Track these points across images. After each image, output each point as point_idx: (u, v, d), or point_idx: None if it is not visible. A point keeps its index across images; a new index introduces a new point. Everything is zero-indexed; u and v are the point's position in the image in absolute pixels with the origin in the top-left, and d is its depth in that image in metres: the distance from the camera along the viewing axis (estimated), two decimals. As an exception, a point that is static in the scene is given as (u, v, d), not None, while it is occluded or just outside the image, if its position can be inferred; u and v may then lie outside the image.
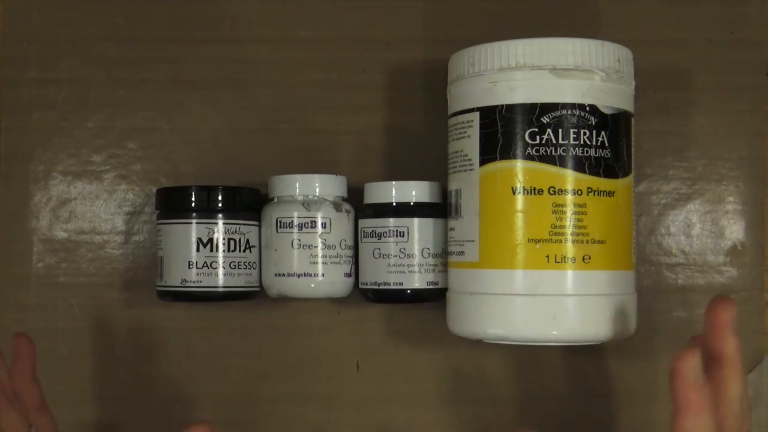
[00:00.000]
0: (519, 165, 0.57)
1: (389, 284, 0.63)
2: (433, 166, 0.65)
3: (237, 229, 0.63)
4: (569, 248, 0.56)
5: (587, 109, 0.57)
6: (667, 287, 0.68)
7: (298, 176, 0.64)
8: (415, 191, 0.64)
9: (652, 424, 0.68)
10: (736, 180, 0.68)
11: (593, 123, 0.57)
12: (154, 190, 0.67)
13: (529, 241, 0.57)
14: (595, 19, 0.68)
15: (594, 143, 0.57)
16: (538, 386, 0.68)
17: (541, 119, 0.57)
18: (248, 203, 0.64)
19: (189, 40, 0.68)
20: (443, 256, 0.63)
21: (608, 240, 0.57)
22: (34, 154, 0.68)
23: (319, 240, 0.63)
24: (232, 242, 0.63)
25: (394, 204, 0.64)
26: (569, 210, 0.57)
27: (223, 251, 0.63)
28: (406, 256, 0.63)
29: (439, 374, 0.68)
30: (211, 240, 0.63)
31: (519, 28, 0.65)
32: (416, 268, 0.63)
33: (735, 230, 0.68)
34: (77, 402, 0.67)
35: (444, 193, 0.64)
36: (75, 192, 0.68)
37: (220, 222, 0.63)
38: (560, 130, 0.57)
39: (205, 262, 0.62)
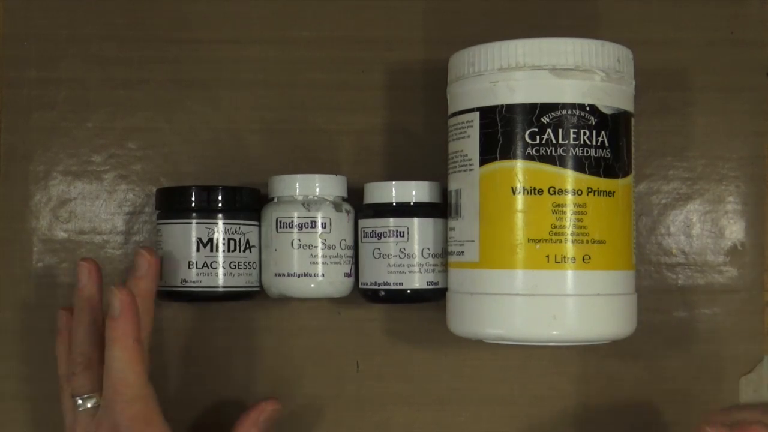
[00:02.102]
0: (519, 165, 0.57)
1: (389, 284, 0.63)
2: (433, 166, 0.65)
3: (237, 229, 0.63)
4: (569, 248, 0.56)
5: (587, 109, 0.57)
6: (667, 287, 0.68)
7: (298, 176, 0.64)
8: (415, 191, 0.64)
9: (653, 424, 0.68)
10: (736, 180, 0.68)
11: (593, 123, 0.57)
12: (154, 190, 0.67)
13: (529, 241, 0.57)
14: (595, 19, 0.68)
15: (594, 143, 0.57)
16: (538, 386, 0.68)
17: (541, 119, 0.57)
18: (248, 203, 0.64)
19: (189, 40, 0.68)
20: (443, 256, 0.63)
21: (608, 240, 0.57)
22: (34, 154, 0.68)
23: (319, 240, 0.63)
24: (232, 242, 0.63)
25: (394, 204, 0.64)
26: (569, 210, 0.57)
27: (223, 251, 0.63)
28: (406, 256, 0.63)
29: (439, 374, 0.68)
30: (211, 240, 0.63)
31: (519, 28, 0.65)
32: (416, 268, 0.63)
33: (735, 230, 0.68)
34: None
35: (444, 193, 0.64)
36: (75, 192, 0.68)
37: (220, 222, 0.63)
38: (560, 130, 0.57)
39: (205, 262, 0.62)
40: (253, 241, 0.64)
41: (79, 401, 0.60)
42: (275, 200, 0.65)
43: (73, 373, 0.61)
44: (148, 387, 0.58)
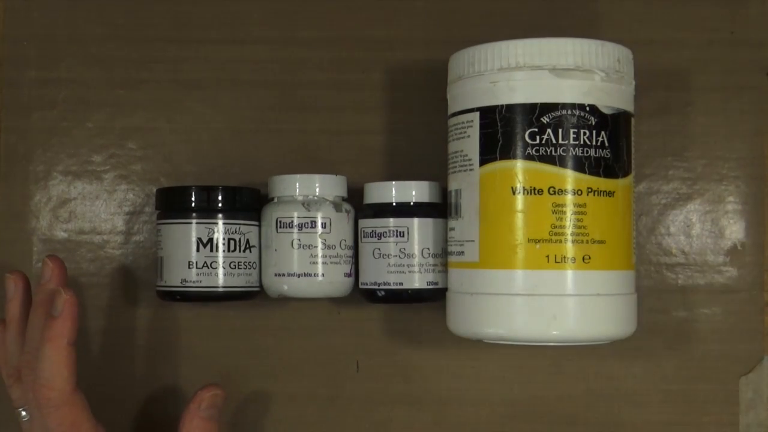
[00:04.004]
0: (519, 165, 0.57)
1: (389, 284, 0.63)
2: (433, 166, 0.65)
3: (237, 229, 0.63)
4: (569, 248, 0.56)
5: (587, 109, 0.57)
6: (667, 287, 0.68)
7: (298, 176, 0.64)
8: (415, 191, 0.64)
9: (652, 424, 0.68)
10: (736, 180, 0.68)
11: (593, 123, 0.57)
12: (154, 190, 0.67)
13: (529, 241, 0.57)
14: (595, 19, 0.68)
15: (594, 143, 0.57)
16: (538, 386, 0.68)
17: (541, 119, 0.57)
18: (248, 203, 0.64)
19: (189, 40, 0.68)
20: (443, 256, 0.63)
21: (608, 240, 0.57)
22: (34, 154, 0.68)
23: (319, 240, 0.63)
24: (232, 242, 0.63)
25: (394, 204, 0.64)
26: (569, 210, 0.57)
27: (223, 251, 0.63)
28: (406, 256, 0.63)
29: (439, 374, 0.68)
30: (211, 240, 0.63)
31: (519, 28, 0.65)
32: (416, 268, 0.63)
33: (735, 230, 0.68)
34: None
35: (444, 193, 0.64)
36: (75, 192, 0.68)
37: (220, 222, 0.63)
38: (560, 130, 0.57)
39: (205, 262, 0.62)
40: (253, 241, 0.64)
41: (23, 413, 0.60)
42: (275, 200, 0.65)
43: (9, 386, 0.61)
44: (75, 393, 0.57)
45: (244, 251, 0.63)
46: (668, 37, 0.68)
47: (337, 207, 0.64)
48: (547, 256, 0.57)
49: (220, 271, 0.63)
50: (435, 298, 0.63)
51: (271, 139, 0.68)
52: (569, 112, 0.57)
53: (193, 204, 0.63)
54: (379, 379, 0.68)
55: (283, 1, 0.69)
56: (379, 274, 0.63)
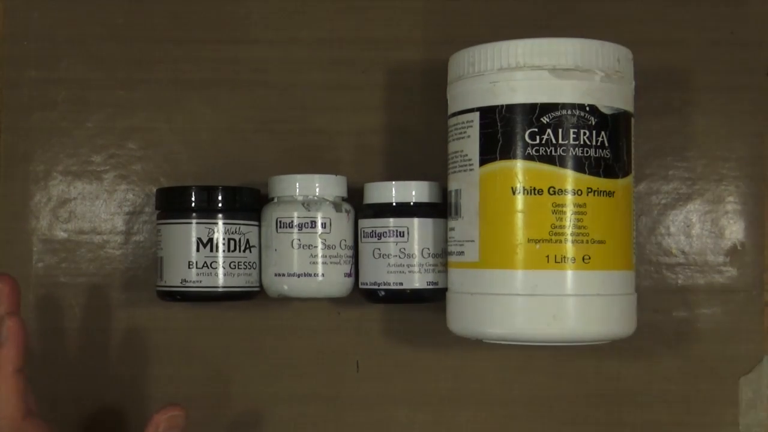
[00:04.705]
0: (519, 165, 0.57)
1: (389, 284, 0.63)
2: (433, 166, 0.65)
3: (237, 229, 0.63)
4: (569, 248, 0.56)
5: (587, 109, 0.57)
6: (667, 287, 0.68)
7: (298, 176, 0.64)
8: (415, 191, 0.64)
9: (652, 424, 0.68)
10: (736, 180, 0.68)
11: (593, 123, 0.57)
12: (154, 190, 0.67)
13: (529, 241, 0.57)
14: (595, 19, 0.68)
15: (594, 143, 0.57)
16: (538, 386, 0.68)
17: (541, 119, 0.57)
18: (248, 203, 0.64)
19: (189, 40, 0.68)
20: (443, 256, 0.63)
21: (608, 240, 0.57)
22: (34, 154, 0.68)
23: (319, 240, 0.63)
24: (232, 242, 0.63)
25: (394, 204, 0.64)
26: (569, 210, 0.57)
27: (223, 251, 0.63)
28: (406, 256, 0.63)
29: (439, 374, 0.68)
30: (211, 240, 0.63)
31: (519, 28, 0.65)
32: (416, 268, 0.63)
33: (735, 230, 0.68)
34: (77, 402, 0.67)
35: (444, 193, 0.64)
36: (75, 192, 0.68)
37: (220, 222, 0.63)
38: (560, 130, 0.57)
39: (205, 262, 0.62)
40: (253, 241, 0.64)
41: None
42: (275, 200, 0.65)
43: None
44: (26, 420, 0.56)
45: (244, 251, 0.63)
46: (668, 37, 0.68)
47: (337, 207, 0.64)
48: (547, 256, 0.57)
49: (220, 271, 0.63)
50: (435, 298, 0.63)
51: (271, 139, 0.68)
52: (569, 112, 0.57)
53: (193, 204, 0.63)
54: (379, 379, 0.68)
55: (283, 1, 0.69)
56: (379, 274, 0.63)
